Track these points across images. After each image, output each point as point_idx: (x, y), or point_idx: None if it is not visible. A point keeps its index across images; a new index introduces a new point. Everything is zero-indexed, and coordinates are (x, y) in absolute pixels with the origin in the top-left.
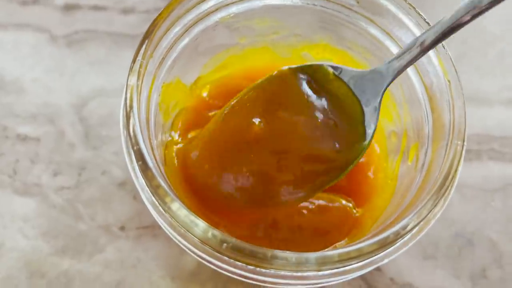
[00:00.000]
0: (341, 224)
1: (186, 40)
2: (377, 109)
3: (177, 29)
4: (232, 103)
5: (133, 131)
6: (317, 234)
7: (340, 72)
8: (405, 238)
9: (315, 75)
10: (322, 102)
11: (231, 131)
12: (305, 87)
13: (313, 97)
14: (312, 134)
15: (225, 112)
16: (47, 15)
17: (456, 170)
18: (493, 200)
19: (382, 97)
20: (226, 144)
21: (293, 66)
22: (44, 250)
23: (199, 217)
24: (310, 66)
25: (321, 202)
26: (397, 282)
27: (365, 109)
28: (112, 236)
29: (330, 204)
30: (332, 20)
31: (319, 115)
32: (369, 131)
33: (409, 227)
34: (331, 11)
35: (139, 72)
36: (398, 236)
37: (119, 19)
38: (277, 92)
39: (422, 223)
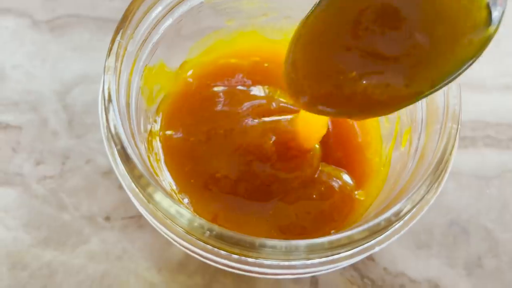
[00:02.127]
0: (342, 207)
1: (169, 21)
2: None
3: (159, 9)
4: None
5: (112, 116)
6: (319, 218)
7: None
8: (397, 225)
9: None
10: None
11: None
12: None
13: None
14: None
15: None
16: None
17: (450, 154)
18: (489, 187)
19: None
20: None
21: None
22: (26, 242)
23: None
24: None
25: (325, 181)
26: (391, 272)
27: None
28: (96, 227)
29: (334, 184)
30: None
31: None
32: (496, 14)
33: (401, 214)
34: None
35: (117, 53)
36: (389, 223)
37: (103, 3)
38: None
39: (414, 209)
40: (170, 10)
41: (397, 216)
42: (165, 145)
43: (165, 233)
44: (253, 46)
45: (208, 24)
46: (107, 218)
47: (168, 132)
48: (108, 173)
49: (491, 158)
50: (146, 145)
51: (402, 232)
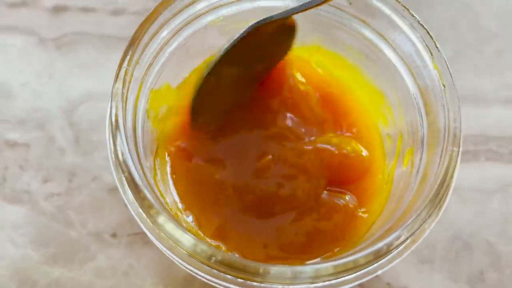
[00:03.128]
0: (344, 225)
1: (174, 45)
2: None
3: (164, 33)
4: None
5: (119, 143)
6: (321, 237)
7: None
8: (400, 249)
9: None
10: None
11: None
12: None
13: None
14: None
15: None
16: (36, 17)
17: (451, 177)
18: (491, 201)
19: None
20: None
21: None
22: (34, 258)
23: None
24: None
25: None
26: (394, 286)
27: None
28: (103, 244)
29: (337, 203)
30: (324, 22)
31: None
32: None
33: (402, 238)
34: (323, 12)
35: (124, 79)
36: (391, 247)
37: (109, 21)
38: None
39: (415, 233)
40: (175, 34)
41: (399, 241)
42: (172, 163)
43: (170, 256)
44: None
45: (213, 44)
46: (114, 235)
47: (172, 149)
48: (114, 190)
49: (493, 172)
50: (152, 163)
51: (404, 255)
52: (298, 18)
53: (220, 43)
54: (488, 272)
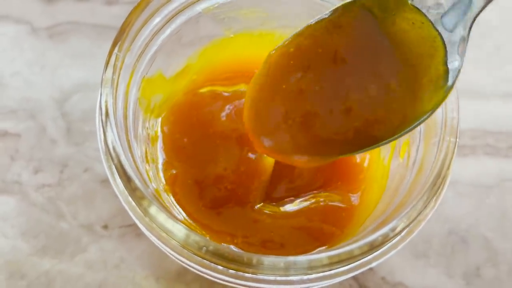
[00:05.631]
0: (340, 218)
1: (167, 32)
2: (466, 41)
3: (157, 20)
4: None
5: (109, 131)
6: (311, 234)
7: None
8: (395, 240)
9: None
10: (386, 43)
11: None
12: (366, 27)
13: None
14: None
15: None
16: (28, 6)
17: (448, 168)
18: (488, 196)
19: (471, 26)
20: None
21: None
22: (24, 250)
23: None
24: None
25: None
26: (389, 282)
27: (447, 45)
28: (94, 235)
29: (327, 204)
30: (322, 11)
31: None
32: (453, 68)
33: (398, 229)
34: (321, 1)
35: (115, 66)
36: (387, 238)
37: (102, 10)
38: (330, 41)
39: (412, 224)
40: (168, 21)
41: (394, 232)
42: (166, 148)
43: (162, 247)
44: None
45: (207, 33)
46: (105, 227)
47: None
48: (106, 181)
49: (491, 167)
50: (144, 152)
51: (399, 247)
52: (294, 4)
53: (214, 32)
54: (484, 268)
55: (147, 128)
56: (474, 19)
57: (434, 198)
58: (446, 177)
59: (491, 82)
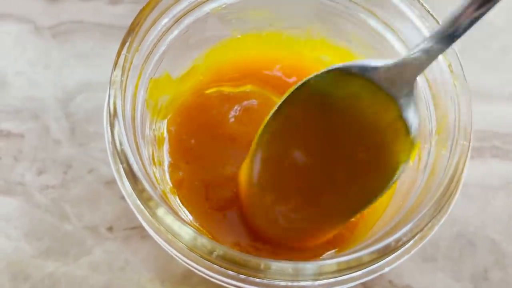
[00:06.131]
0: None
1: (175, 32)
2: (414, 96)
3: (165, 20)
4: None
5: (118, 132)
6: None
7: (361, 70)
8: (407, 246)
9: (335, 83)
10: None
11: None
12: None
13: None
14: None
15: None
16: (31, 4)
17: (461, 173)
18: (495, 199)
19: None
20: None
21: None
22: (28, 252)
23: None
24: (326, 74)
25: None
26: (396, 285)
27: (400, 102)
28: (99, 237)
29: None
30: (330, 12)
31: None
32: (413, 120)
33: (410, 235)
34: (329, 1)
35: (123, 67)
36: (399, 243)
37: (106, 10)
38: (300, 122)
39: (425, 229)
40: (176, 21)
41: (407, 237)
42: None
43: (169, 250)
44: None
45: (214, 34)
46: (110, 229)
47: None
48: (111, 182)
49: (498, 169)
50: (151, 153)
51: (412, 252)
52: (302, 5)
53: (221, 32)
54: (492, 271)
55: (153, 129)
56: (417, 75)
57: (447, 203)
58: (459, 181)
59: (498, 84)
